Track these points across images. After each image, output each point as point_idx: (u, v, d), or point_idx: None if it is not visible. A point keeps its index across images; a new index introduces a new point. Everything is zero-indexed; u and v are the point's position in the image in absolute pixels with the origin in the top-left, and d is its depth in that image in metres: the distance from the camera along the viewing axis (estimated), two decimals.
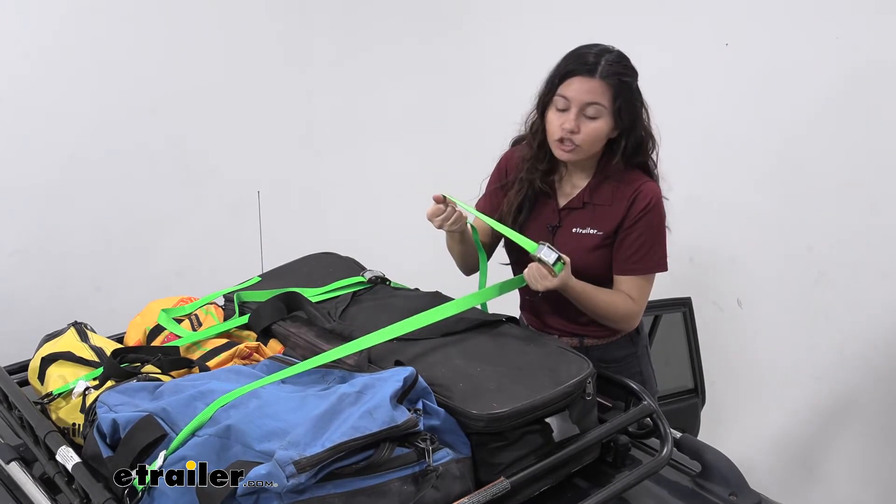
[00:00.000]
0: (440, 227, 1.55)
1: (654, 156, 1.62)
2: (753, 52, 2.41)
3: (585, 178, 1.64)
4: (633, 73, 1.55)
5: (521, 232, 1.67)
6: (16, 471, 1.20)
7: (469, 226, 1.60)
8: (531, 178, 1.65)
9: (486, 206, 1.75)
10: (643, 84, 1.59)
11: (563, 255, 1.43)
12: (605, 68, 1.50)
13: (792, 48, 2.34)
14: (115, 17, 2.55)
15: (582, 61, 1.52)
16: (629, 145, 1.57)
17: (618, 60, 1.53)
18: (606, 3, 2.70)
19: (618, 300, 1.58)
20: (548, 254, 1.41)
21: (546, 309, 1.71)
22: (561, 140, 1.55)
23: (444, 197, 1.52)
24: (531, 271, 1.45)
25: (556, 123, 1.54)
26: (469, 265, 1.75)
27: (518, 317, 1.81)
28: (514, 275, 1.71)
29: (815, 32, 2.28)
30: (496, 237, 1.75)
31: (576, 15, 2.72)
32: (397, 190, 3.20)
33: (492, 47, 3.08)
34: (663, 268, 1.61)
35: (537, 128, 1.62)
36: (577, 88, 1.51)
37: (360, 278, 1.65)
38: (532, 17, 2.91)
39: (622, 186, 1.58)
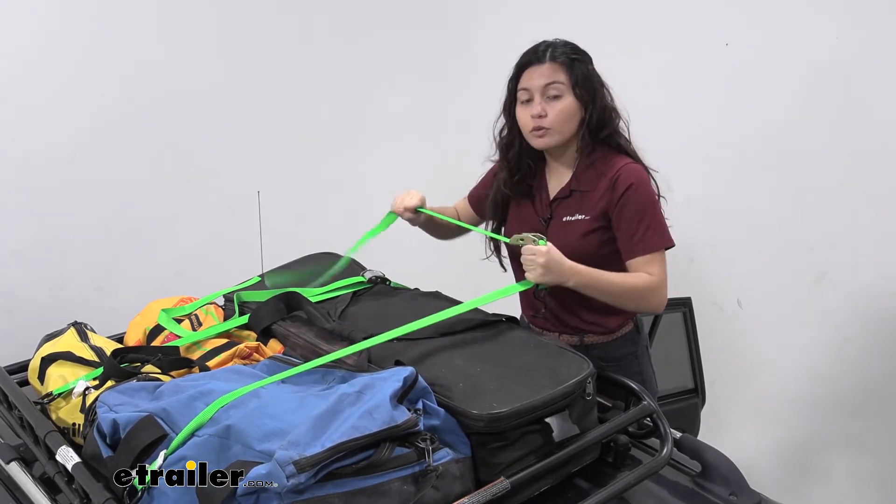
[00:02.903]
0: (395, 207, 1.73)
1: (623, 131, 1.66)
2: (753, 52, 2.41)
3: (570, 168, 1.68)
4: (583, 55, 1.63)
5: (510, 227, 1.75)
6: (16, 471, 1.19)
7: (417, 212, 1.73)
8: (504, 193, 1.74)
9: (475, 193, 1.86)
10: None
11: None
12: (553, 52, 1.59)
13: (792, 48, 2.34)
14: (115, 17, 2.55)
15: (531, 52, 1.62)
16: (593, 118, 1.61)
17: (565, 44, 1.62)
18: (607, 6, 2.70)
19: (635, 278, 1.57)
20: (523, 235, 1.47)
21: (549, 305, 1.71)
22: (533, 129, 1.61)
23: (417, 210, 1.69)
24: (524, 260, 1.47)
25: (526, 116, 1.61)
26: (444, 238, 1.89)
27: (518, 316, 1.81)
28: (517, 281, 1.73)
29: (816, 32, 2.28)
30: (474, 222, 1.87)
31: (576, 18, 2.72)
32: (397, 190, 3.19)
33: (491, 50, 3.08)
34: (668, 242, 1.61)
35: (509, 129, 1.70)
36: (533, 76, 1.60)
37: (360, 278, 1.65)
38: (532, 20, 2.91)
39: (605, 170, 1.61)
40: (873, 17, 2.18)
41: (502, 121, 1.71)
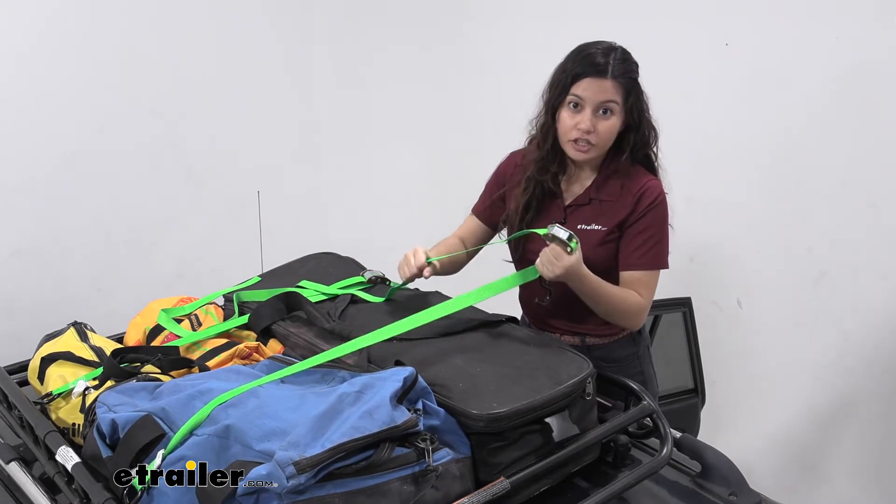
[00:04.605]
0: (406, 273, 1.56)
1: (655, 148, 1.65)
2: (753, 52, 2.41)
3: (591, 174, 1.65)
4: (637, 69, 1.59)
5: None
6: (16, 471, 1.19)
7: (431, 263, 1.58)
8: (542, 179, 1.65)
9: (482, 206, 1.78)
10: (642, 85, 1.60)
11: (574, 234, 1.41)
12: (616, 67, 1.53)
13: (792, 48, 2.33)
14: (116, 15, 2.55)
15: (591, 62, 1.54)
16: (637, 141, 1.60)
17: (624, 58, 1.56)
18: (608, 6, 2.69)
19: (629, 295, 1.58)
20: (560, 231, 1.39)
21: (549, 308, 1.71)
22: (576, 140, 1.56)
23: (427, 264, 1.54)
24: (545, 255, 1.42)
25: (571, 123, 1.56)
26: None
27: (519, 317, 1.81)
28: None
29: (816, 32, 2.28)
30: (486, 236, 1.79)
31: (577, 18, 2.72)
32: (397, 190, 3.20)
33: (493, 50, 3.08)
34: (666, 265, 1.62)
35: (548, 129, 1.63)
36: (590, 88, 1.53)
37: (359, 278, 1.65)
38: (533, 21, 2.91)
39: (628, 182, 1.60)
40: (873, 17, 2.18)
41: (542, 117, 1.64)
